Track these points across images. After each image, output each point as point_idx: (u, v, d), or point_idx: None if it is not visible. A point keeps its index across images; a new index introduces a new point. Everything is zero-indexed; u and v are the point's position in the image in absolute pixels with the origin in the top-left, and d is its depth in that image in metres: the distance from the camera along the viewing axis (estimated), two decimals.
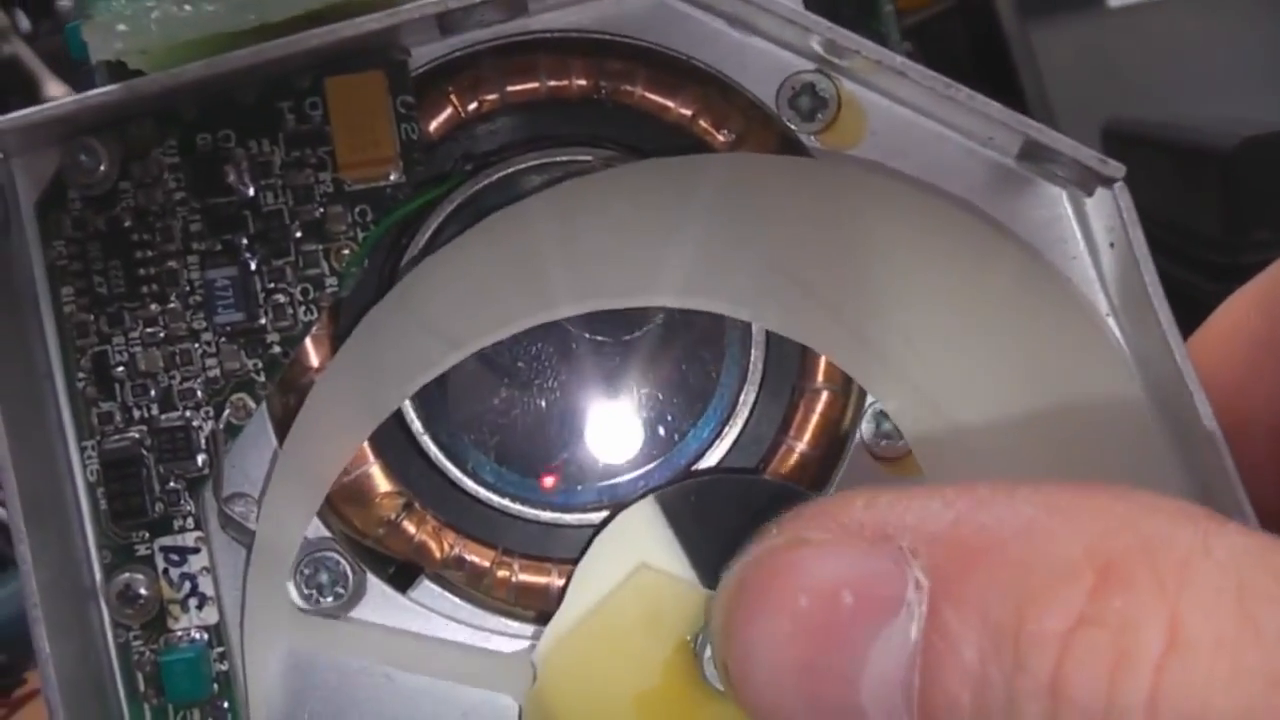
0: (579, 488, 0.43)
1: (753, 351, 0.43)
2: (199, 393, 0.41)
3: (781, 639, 0.30)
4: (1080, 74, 0.81)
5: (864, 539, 0.29)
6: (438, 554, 0.42)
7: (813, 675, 0.30)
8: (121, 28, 0.38)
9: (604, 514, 0.42)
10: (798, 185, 0.42)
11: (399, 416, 0.42)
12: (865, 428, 0.43)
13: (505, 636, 0.42)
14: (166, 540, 0.42)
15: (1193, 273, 0.43)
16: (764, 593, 0.30)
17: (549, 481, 0.43)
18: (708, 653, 0.39)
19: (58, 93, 1.05)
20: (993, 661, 0.27)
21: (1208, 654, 0.26)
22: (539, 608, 0.42)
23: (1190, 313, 0.43)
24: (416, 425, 0.42)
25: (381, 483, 0.42)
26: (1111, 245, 0.41)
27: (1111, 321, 0.43)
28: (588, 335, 0.43)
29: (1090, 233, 0.42)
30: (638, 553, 0.39)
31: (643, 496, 0.41)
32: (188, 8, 0.37)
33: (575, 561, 0.42)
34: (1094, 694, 0.27)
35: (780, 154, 0.42)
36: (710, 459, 0.43)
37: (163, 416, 0.41)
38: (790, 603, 0.29)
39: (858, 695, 0.29)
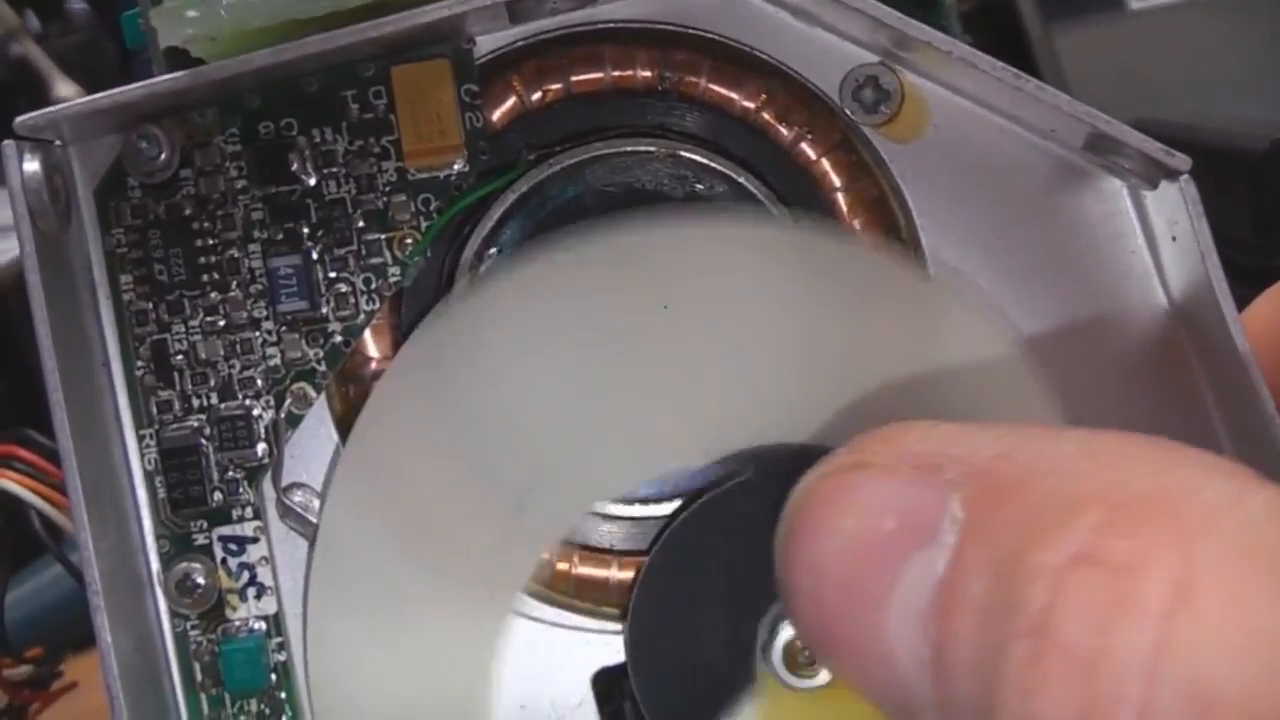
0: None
1: None
2: (259, 382, 0.41)
3: (827, 555, 0.30)
4: (1105, 76, 0.82)
5: (915, 467, 0.29)
6: None
7: (848, 594, 0.29)
8: (192, 14, 0.38)
9: (664, 506, 0.42)
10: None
11: None
12: None
13: (563, 629, 0.42)
14: (225, 530, 0.41)
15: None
16: (818, 509, 0.30)
17: None
18: (776, 643, 0.39)
19: (67, 93, 1.04)
20: (995, 598, 0.26)
21: (1221, 611, 0.24)
22: (599, 600, 0.42)
23: None
24: None
25: None
26: (1174, 239, 0.42)
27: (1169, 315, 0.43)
28: None
29: (1150, 227, 0.43)
30: None
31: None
32: None
33: (636, 554, 0.42)
34: (1085, 641, 0.24)
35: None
36: None
37: (222, 405, 0.41)
38: (840, 521, 0.30)
39: (885, 620, 0.28)
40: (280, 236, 0.41)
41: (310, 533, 0.41)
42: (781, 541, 0.31)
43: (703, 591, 0.40)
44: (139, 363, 0.41)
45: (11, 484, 0.49)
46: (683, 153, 0.42)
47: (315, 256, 0.41)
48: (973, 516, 0.27)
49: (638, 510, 0.42)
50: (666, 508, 0.42)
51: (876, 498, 0.29)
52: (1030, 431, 0.29)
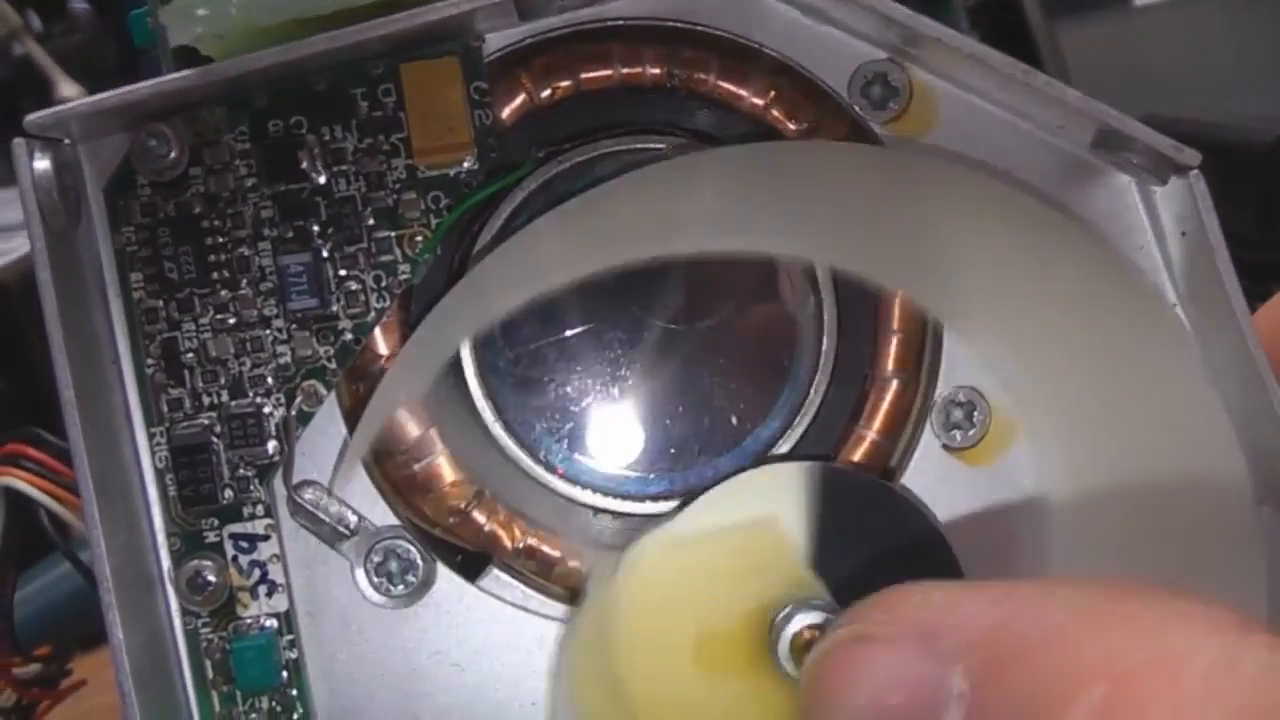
0: (651, 477, 0.43)
1: (824, 340, 0.43)
2: (270, 379, 0.41)
3: None
4: (1109, 73, 0.82)
5: (915, 640, 0.30)
6: (508, 544, 0.42)
7: None
8: (201, 12, 0.38)
9: (676, 504, 0.42)
10: (859, 173, 0.42)
11: (469, 404, 0.42)
12: (935, 418, 0.43)
13: None
14: (236, 527, 0.41)
15: None
16: (830, 684, 0.32)
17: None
18: (785, 632, 0.39)
19: (70, 93, 1.04)
20: None
21: None
22: None
23: None
24: (488, 414, 0.42)
25: (450, 471, 0.42)
26: (1183, 234, 0.42)
27: (1179, 311, 0.43)
28: (660, 322, 0.42)
29: (1159, 222, 0.43)
30: (771, 507, 0.39)
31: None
32: None
33: None
34: None
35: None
36: (782, 448, 0.43)
37: (233, 403, 0.41)
38: (849, 698, 0.31)
39: None
40: (290, 234, 0.41)
41: (321, 530, 0.42)
42: (802, 714, 0.33)
43: None
44: (149, 360, 0.41)
45: (21, 482, 0.49)
46: (690, 149, 0.42)
47: (325, 254, 0.41)
48: (977, 693, 0.28)
49: (649, 507, 0.42)
50: (669, 506, 0.42)
51: (881, 674, 0.30)
52: (1022, 595, 0.30)
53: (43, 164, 0.39)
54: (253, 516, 0.41)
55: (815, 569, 0.39)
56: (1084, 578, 0.30)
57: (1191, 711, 0.25)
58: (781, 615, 0.40)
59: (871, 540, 0.39)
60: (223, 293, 0.41)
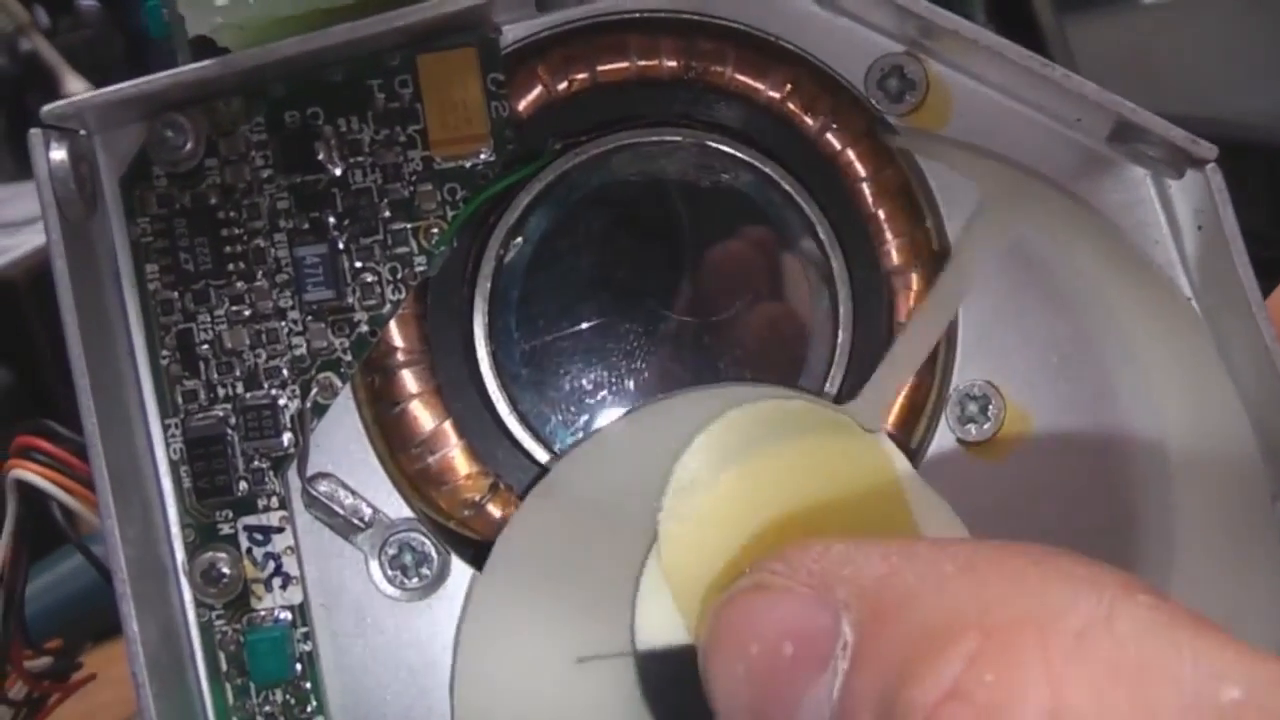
0: None
1: (840, 333, 0.42)
2: (285, 371, 0.41)
3: (736, 681, 0.31)
4: (1119, 70, 0.81)
5: (810, 590, 0.30)
6: None
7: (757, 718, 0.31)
8: (221, 2, 0.38)
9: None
10: None
11: (484, 397, 0.42)
12: (950, 412, 0.43)
13: None
14: (250, 519, 0.41)
15: None
16: (726, 635, 0.32)
17: None
18: None
19: (77, 88, 1.04)
20: None
21: None
22: None
23: None
24: (503, 406, 0.42)
25: (465, 464, 0.42)
26: (1200, 228, 0.42)
27: (1194, 305, 0.43)
28: (675, 316, 0.42)
29: (1174, 216, 0.42)
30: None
31: None
32: None
33: None
34: None
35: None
36: None
37: (248, 395, 0.41)
38: (744, 648, 0.31)
39: None
40: (306, 226, 0.41)
41: (336, 522, 0.41)
42: (701, 664, 0.33)
43: None
44: (164, 352, 0.41)
45: (33, 475, 0.49)
46: (709, 142, 0.42)
47: (341, 246, 0.41)
48: (860, 640, 0.29)
49: None
50: None
51: (776, 622, 0.30)
52: (915, 549, 0.30)
53: (59, 154, 0.39)
54: (267, 509, 0.41)
55: None
56: (982, 539, 0.30)
57: (1061, 665, 0.25)
58: None
59: None
60: (238, 284, 0.41)
